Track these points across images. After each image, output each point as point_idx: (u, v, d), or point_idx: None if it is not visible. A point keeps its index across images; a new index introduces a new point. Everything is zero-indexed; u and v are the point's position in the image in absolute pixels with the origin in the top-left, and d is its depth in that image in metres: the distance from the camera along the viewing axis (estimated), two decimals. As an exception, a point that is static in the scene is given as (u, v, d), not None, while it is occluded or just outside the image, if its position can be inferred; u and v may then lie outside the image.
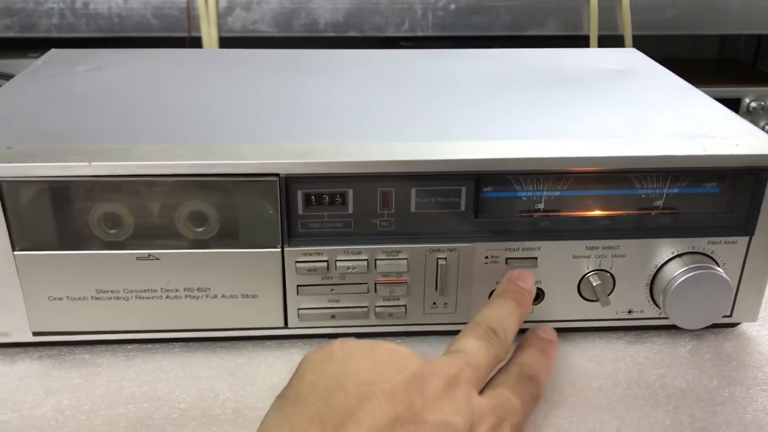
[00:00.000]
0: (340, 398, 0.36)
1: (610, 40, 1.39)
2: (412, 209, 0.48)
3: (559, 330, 0.49)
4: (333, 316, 0.51)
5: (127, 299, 0.49)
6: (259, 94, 0.58)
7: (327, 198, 0.48)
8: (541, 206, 0.49)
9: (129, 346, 0.52)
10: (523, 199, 0.49)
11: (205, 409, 0.46)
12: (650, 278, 0.51)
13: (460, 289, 0.51)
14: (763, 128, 1.50)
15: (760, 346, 0.53)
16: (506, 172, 0.48)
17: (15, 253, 0.47)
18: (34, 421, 0.45)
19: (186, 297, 0.49)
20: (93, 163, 0.45)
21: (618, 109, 0.56)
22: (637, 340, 0.53)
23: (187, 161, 0.46)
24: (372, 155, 0.47)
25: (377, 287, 0.50)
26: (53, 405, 0.46)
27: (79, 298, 0.49)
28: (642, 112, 0.55)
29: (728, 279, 0.49)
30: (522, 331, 0.48)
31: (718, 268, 0.50)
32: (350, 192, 0.48)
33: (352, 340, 0.39)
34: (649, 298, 0.52)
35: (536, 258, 0.50)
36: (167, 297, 0.49)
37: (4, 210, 0.46)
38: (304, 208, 0.48)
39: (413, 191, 0.48)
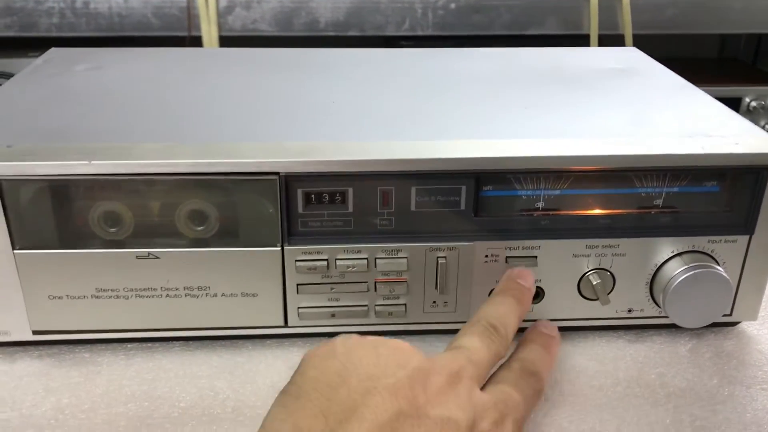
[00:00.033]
0: (343, 393, 0.36)
1: (611, 40, 1.39)
2: (412, 208, 0.48)
3: (559, 329, 0.49)
4: (333, 315, 0.51)
5: (127, 298, 0.49)
6: (260, 93, 0.58)
7: (327, 197, 0.48)
8: (541, 205, 0.49)
9: (129, 345, 0.52)
10: (523, 197, 0.49)
11: (205, 408, 0.46)
12: (650, 277, 0.51)
13: (460, 288, 0.51)
14: (763, 127, 1.50)
15: (760, 345, 0.53)
16: (506, 170, 0.48)
17: (15, 251, 0.47)
18: (34, 420, 0.45)
19: (186, 296, 0.49)
20: (93, 162, 0.45)
21: (618, 108, 0.56)
22: (637, 339, 0.53)
23: (187, 160, 0.46)
24: (372, 154, 0.47)
25: (377, 286, 0.50)
26: (53, 404, 0.46)
27: (79, 297, 0.49)
28: (642, 111, 0.55)
29: (728, 278, 0.49)
30: (521, 330, 0.48)
31: (718, 267, 0.50)
32: (350, 191, 0.48)
33: (355, 336, 0.39)
34: (649, 297, 0.52)
35: (536, 257, 0.50)
36: (167, 296, 0.49)
37: (4, 209, 0.46)
38: (304, 207, 0.48)
39: (413, 190, 0.48)
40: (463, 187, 0.48)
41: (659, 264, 0.51)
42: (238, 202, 0.48)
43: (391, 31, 1.35)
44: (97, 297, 0.49)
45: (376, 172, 0.47)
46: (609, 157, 0.48)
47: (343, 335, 0.40)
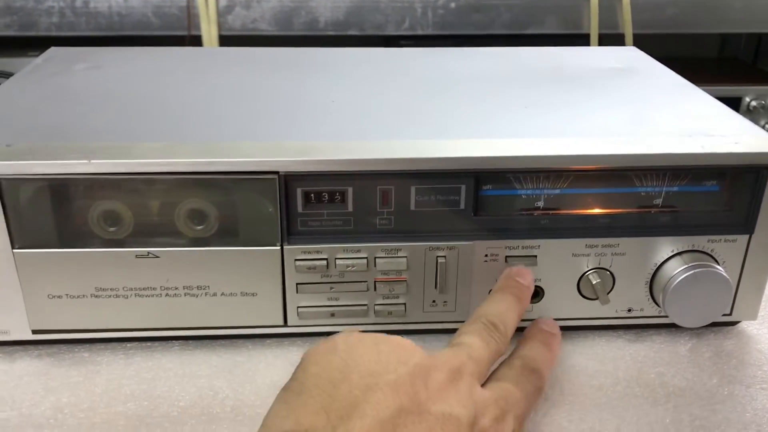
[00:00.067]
0: (345, 390, 0.36)
1: (611, 39, 1.39)
2: (412, 207, 0.48)
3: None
4: (332, 315, 0.51)
5: (127, 297, 0.49)
6: (259, 93, 0.58)
7: (326, 196, 0.48)
8: (541, 204, 0.49)
9: (128, 344, 0.52)
10: (523, 197, 0.49)
11: (204, 407, 0.46)
12: (650, 276, 0.51)
13: (459, 288, 0.51)
14: (763, 127, 1.50)
15: (760, 344, 0.53)
16: (506, 170, 0.48)
17: (14, 251, 0.47)
18: (33, 419, 0.45)
19: (185, 295, 0.49)
20: (92, 161, 0.45)
21: (618, 107, 0.56)
22: (636, 339, 0.53)
23: (187, 159, 0.46)
24: (371, 153, 0.47)
25: (377, 285, 0.50)
26: (52, 403, 0.46)
27: (78, 296, 0.49)
28: (642, 111, 0.55)
29: (728, 277, 0.49)
30: (521, 330, 0.48)
31: (718, 267, 0.50)
32: (350, 190, 0.48)
33: (356, 333, 0.39)
34: (649, 297, 0.52)
35: (536, 256, 0.50)
36: (167, 295, 0.49)
37: (4, 208, 0.46)
38: (303, 206, 0.48)
39: (413, 189, 0.48)
40: (463, 187, 0.48)
41: (659, 263, 0.51)
42: (237, 202, 0.48)
43: (390, 31, 1.35)
44: (96, 296, 0.49)
45: (375, 171, 0.47)
46: (609, 157, 0.48)
47: (344, 332, 0.40)
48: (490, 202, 0.49)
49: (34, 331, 0.50)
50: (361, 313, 0.51)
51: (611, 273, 0.51)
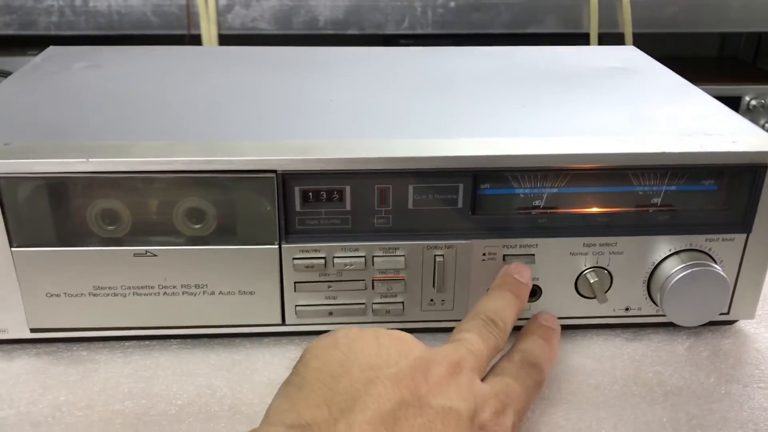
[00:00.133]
0: (346, 383, 0.36)
1: (611, 38, 1.39)
2: (410, 206, 0.48)
3: (556, 327, 0.49)
4: (330, 313, 0.51)
5: (125, 296, 0.49)
6: (258, 92, 0.58)
7: (324, 195, 0.48)
8: (539, 203, 0.49)
9: (126, 343, 0.52)
10: (521, 196, 0.49)
11: (202, 406, 0.46)
12: (648, 275, 0.51)
13: (457, 286, 0.51)
14: (763, 126, 1.50)
15: (758, 343, 0.53)
16: (504, 169, 0.48)
17: (12, 249, 0.47)
18: (31, 418, 0.45)
19: (183, 293, 0.49)
20: (91, 160, 0.45)
21: (616, 106, 0.56)
22: (634, 338, 0.53)
23: (185, 158, 0.46)
24: (369, 152, 0.47)
25: (375, 284, 0.50)
26: (50, 401, 0.46)
27: (76, 295, 0.49)
28: (640, 110, 0.55)
29: (726, 276, 0.49)
30: (518, 328, 0.48)
31: (716, 266, 0.50)
32: (348, 189, 0.48)
33: (355, 328, 0.40)
34: (647, 296, 0.52)
35: (534, 255, 0.50)
36: (165, 294, 0.49)
37: (2, 206, 0.46)
38: (301, 205, 0.48)
39: (411, 188, 0.48)
40: (461, 185, 0.48)
41: (657, 262, 0.51)
42: (235, 200, 0.48)
43: (390, 30, 1.35)
44: (94, 295, 0.49)
45: (373, 170, 0.47)
46: (607, 156, 0.48)
47: (345, 326, 0.40)
48: (488, 201, 0.49)
49: (33, 330, 0.50)
50: (359, 311, 0.51)
51: (609, 272, 0.51)
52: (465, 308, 0.51)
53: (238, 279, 0.49)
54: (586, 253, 0.50)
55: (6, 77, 0.61)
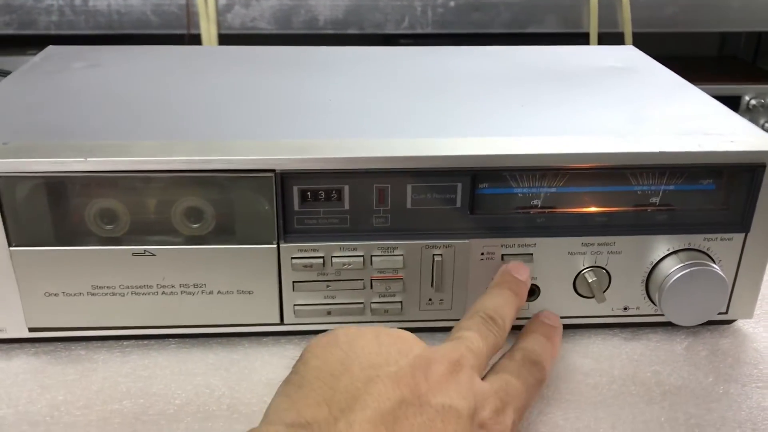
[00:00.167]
0: (346, 382, 0.36)
1: (611, 38, 1.39)
2: (408, 205, 0.48)
3: (554, 326, 0.49)
4: (329, 313, 0.51)
5: (123, 295, 0.49)
6: (258, 91, 0.58)
7: (323, 194, 0.48)
8: (537, 203, 0.49)
9: (125, 342, 0.52)
10: (519, 195, 0.49)
11: (200, 405, 0.46)
12: (646, 275, 0.51)
13: (455, 286, 0.51)
14: (762, 126, 1.50)
15: (756, 343, 0.53)
16: (503, 168, 0.48)
17: (11, 248, 0.47)
18: (29, 417, 0.45)
19: (182, 293, 0.49)
20: (89, 159, 0.45)
21: (615, 106, 0.56)
22: (632, 337, 0.53)
23: (183, 157, 0.46)
24: (368, 151, 0.47)
25: (373, 283, 0.50)
26: (48, 401, 0.46)
27: (74, 294, 0.49)
28: (639, 110, 0.55)
29: (724, 276, 0.49)
30: (517, 328, 0.48)
31: (714, 265, 0.50)
32: (346, 188, 0.48)
33: (356, 326, 0.40)
34: (645, 295, 0.52)
35: (532, 254, 0.50)
36: (163, 293, 0.49)
37: (0, 206, 0.46)
38: (300, 204, 0.48)
39: (409, 187, 0.48)
40: (459, 185, 0.48)
41: (655, 262, 0.51)
42: (234, 200, 0.48)
43: (390, 29, 1.36)
44: (93, 294, 0.49)
45: (372, 169, 0.47)
46: (606, 155, 0.48)
47: (345, 325, 0.40)
48: (487, 200, 0.49)
49: (31, 329, 0.50)
50: (357, 311, 0.51)
51: (607, 271, 0.51)
52: (463, 308, 0.51)
53: (237, 278, 0.49)
54: (584, 253, 0.50)
55: (5, 76, 0.61)
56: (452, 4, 1.34)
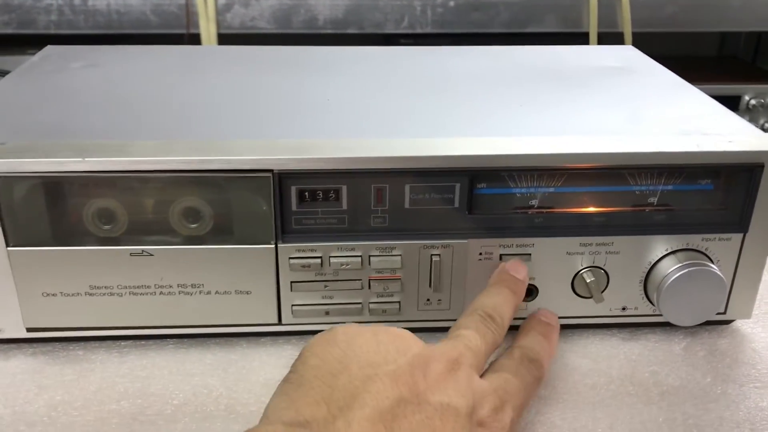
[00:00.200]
0: (345, 380, 0.36)
1: (610, 37, 1.39)
2: (406, 205, 0.48)
3: (552, 326, 0.49)
4: (327, 313, 0.51)
5: (121, 295, 0.49)
6: (257, 91, 0.58)
7: (321, 194, 0.48)
8: (536, 203, 0.49)
9: (123, 342, 0.52)
10: (518, 195, 0.49)
11: (198, 405, 0.46)
12: (644, 275, 0.51)
13: (453, 286, 0.51)
14: (762, 126, 1.50)
15: (754, 343, 0.53)
16: (501, 168, 0.48)
17: (8, 249, 0.47)
18: (26, 417, 0.45)
19: (179, 293, 0.49)
20: (87, 159, 0.45)
21: (614, 106, 0.56)
22: (630, 337, 0.53)
23: (181, 157, 0.46)
24: (366, 151, 0.47)
25: (371, 283, 0.50)
26: (46, 401, 0.46)
27: (72, 294, 0.49)
28: (638, 110, 0.55)
29: (722, 276, 0.49)
30: (514, 328, 0.48)
31: (712, 265, 0.50)
32: (344, 188, 0.48)
33: (354, 325, 0.40)
34: (643, 295, 0.52)
35: (530, 254, 0.50)
36: (161, 293, 0.49)
37: (-2, 206, 0.46)
38: (297, 204, 0.48)
39: (407, 187, 0.48)
40: (458, 185, 0.48)
41: (653, 262, 0.51)
42: (232, 200, 0.48)
43: (390, 29, 1.36)
44: (90, 294, 0.49)
45: (370, 169, 0.47)
46: (604, 155, 0.48)
47: (343, 324, 0.40)
48: (485, 200, 0.49)
49: (29, 329, 0.50)
50: (355, 311, 0.51)
51: (605, 271, 0.51)
52: (461, 308, 0.51)
53: (235, 278, 0.49)
54: (582, 253, 0.50)
55: (4, 76, 0.61)
56: (452, 3, 1.34)
